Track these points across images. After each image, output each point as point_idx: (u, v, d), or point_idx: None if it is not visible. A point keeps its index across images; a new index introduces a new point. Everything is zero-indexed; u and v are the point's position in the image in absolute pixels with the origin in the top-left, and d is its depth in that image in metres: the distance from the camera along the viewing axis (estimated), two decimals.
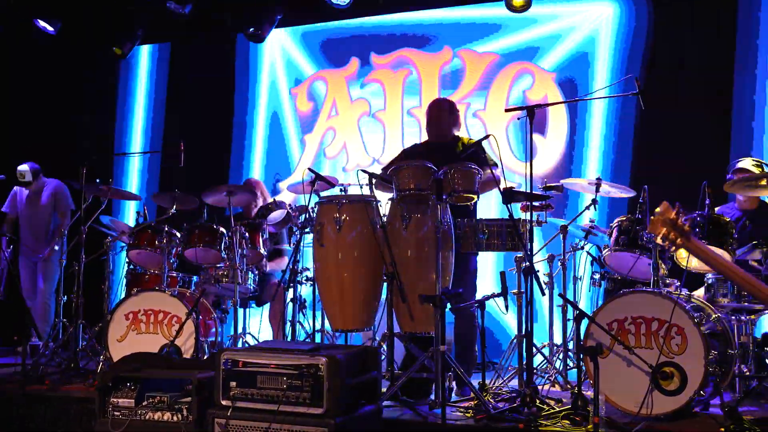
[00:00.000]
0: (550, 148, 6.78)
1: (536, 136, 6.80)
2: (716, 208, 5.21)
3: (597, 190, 4.89)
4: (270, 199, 6.22)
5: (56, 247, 6.85)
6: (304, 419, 3.57)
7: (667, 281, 4.66)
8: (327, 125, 7.59)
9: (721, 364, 4.28)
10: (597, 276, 5.12)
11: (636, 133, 6.45)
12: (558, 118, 6.76)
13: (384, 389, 4.34)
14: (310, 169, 4.98)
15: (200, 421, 3.80)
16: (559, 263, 5.06)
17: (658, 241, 2.59)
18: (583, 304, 5.61)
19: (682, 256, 4.34)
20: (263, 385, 3.68)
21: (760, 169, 4.90)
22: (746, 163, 5.04)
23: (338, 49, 7.64)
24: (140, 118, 8.36)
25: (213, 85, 8.03)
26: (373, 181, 4.66)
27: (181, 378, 3.94)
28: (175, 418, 3.87)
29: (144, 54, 8.38)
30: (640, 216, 4.52)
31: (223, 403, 3.72)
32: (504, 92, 6.93)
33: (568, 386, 4.79)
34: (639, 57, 6.47)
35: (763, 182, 4.31)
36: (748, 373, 4.36)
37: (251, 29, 7.22)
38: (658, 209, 2.59)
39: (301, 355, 3.67)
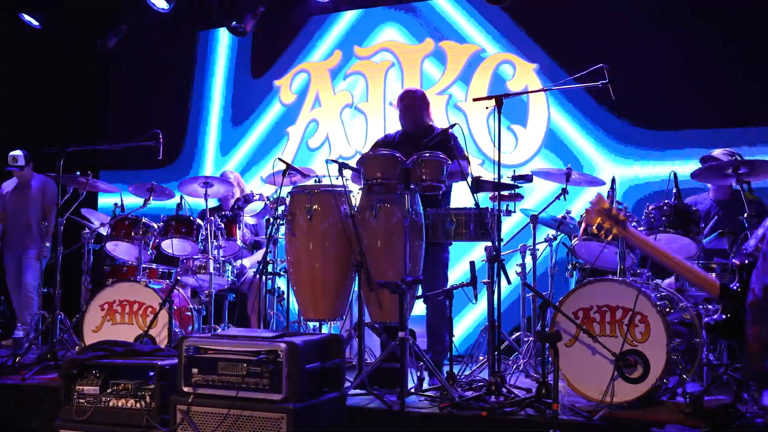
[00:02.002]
0: (531, 138, 6.78)
1: (517, 127, 6.82)
2: (690, 198, 5.24)
3: (567, 180, 4.89)
4: (248, 191, 6.24)
5: (48, 244, 6.87)
6: (264, 405, 3.60)
7: (638, 271, 4.67)
8: (310, 117, 7.62)
9: (688, 353, 4.28)
10: (570, 266, 5.12)
11: None
12: (539, 108, 6.76)
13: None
14: (280, 159, 4.98)
15: (163, 408, 3.82)
16: (529, 253, 5.06)
17: (594, 230, 2.61)
18: (560, 295, 5.60)
19: None
20: (224, 371, 3.71)
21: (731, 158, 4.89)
22: (718, 152, 5.04)
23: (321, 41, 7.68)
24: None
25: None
26: (344, 171, 4.67)
27: (145, 365, 3.97)
28: (138, 405, 3.89)
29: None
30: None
31: (185, 389, 3.75)
32: (485, 83, 6.93)
33: (537, 376, 4.79)
34: None
35: (729, 171, 4.30)
36: (715, 362, 4.36)
37: (234, 23, 7.23)
38: (592, 200, 2.61)
39: (262, 342, 3.69)
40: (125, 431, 3.87)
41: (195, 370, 3.75)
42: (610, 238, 2.59)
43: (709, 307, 4.42)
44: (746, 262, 2.61)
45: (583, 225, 4.70)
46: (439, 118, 6.71)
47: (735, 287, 2.63)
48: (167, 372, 3.89)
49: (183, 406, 3.72)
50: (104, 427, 3.90)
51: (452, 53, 7.11)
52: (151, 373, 3.91)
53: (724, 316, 2.60)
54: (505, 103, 6.72)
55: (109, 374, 4.00)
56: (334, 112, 7.51)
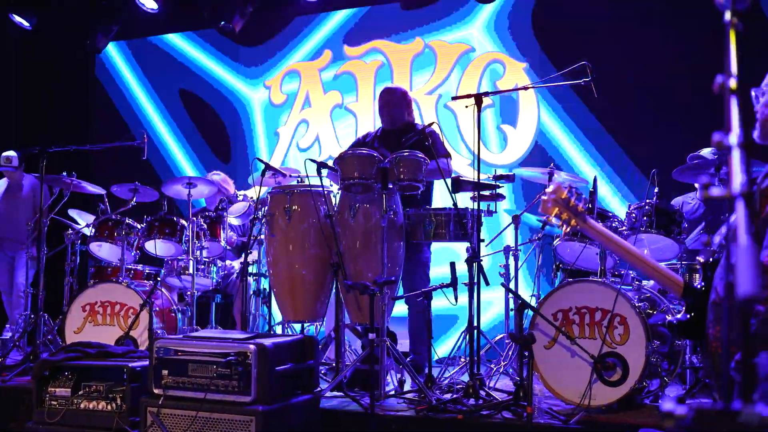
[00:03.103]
0: (521, 138, 6.71)
1: (507, 127, 6.76)
2: (678, 198, 5.17)
3: (550, 180, 4.82)
4: (233, 192, 6.20)
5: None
6: (233, 407, 3.56)
7: (621, 272, 4.60)
8: (300, 117, 7.57)
9: (671, 356, 4.21)
10: (554, 267, 5.05)
11: None
12: (529, 108, 6.69)
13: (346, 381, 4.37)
14: (258, 158, 4.94)
15: (134, 410, 3.79)
16: (511, 254, 4.99)
17: (552, 221, 2.52)
18: None
19: None
20: (194, 373, 3.67)
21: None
22: (706, 152, 4.96)
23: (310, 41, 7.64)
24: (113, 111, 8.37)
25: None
26: (323, 171, 4.62)
27: (116, 367, 3.93)
28: (109, 407, 3.86)
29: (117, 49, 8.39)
30: (590, 205, 4.44)
31: (156, 391, 3.71)
32: (475, 82, 6.87)
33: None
34: None
35: (712, 170, 4.22)
36: (698, 365, 4.28)
37: (222, 23, 7.19)
38: (548, 189, 2.52)
39: (232, 343, 3.65)
40: None
41: (165, 372, 3.71)
42: (567, 229, 2.51)
43: None
44: (710, 260, 2.54)
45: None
46: (429, 118, 6.67)
47: (699, 286, 2.56)
48: (138, 374, 3.86)
49: (153, 408, 3.68)
50: (75, 429, 3.88)
51: (442, 52, 7.05)
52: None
53: (687, 316, 2.53)
54: (494, 102, 6.75)
55: (81, 376, 3.97)
56: (324, 113, 7.46)
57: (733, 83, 1.14)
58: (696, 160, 4.79)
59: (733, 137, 1.08)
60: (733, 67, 1.16)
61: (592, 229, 2.48)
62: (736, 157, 1.06)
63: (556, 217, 2.48)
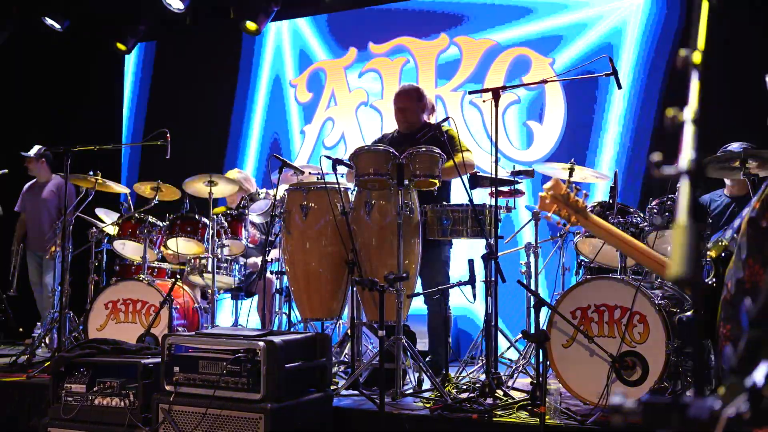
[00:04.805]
0: (548, 134, 6.60)
1: (533, 123, 6.65)
2: (705, 196, 5.02)
3: (570, 175, 4.70)
4: (254, 190, 6.19)
5: (58, 241, 6.95)
6: (242, 404, 3.53)
7: (645, 269, 4.47)
8: (326, 115, 7.55)
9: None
10: (576, 264, 4.94)
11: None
12: (555, 104, 6.57)
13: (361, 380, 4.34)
14: (275, 155, 4.92)
15: (146, 407, 3.79)
16: (532, 251, 4.89)
17: (549, 218, 2.43)
18: None
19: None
20: (204, 370, 3.66)
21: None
22: (735, 146, 4.80)
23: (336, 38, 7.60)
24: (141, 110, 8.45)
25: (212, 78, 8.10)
26: (338, 167, 4.58)
27: (129, 363, 3.94)
28: (122, 404, 3.86)
29: (144, 48, 8.46)
30: (610, 201, 4.33)
31: (167, 388, 3.71)
32: (501, 77, 6.77)
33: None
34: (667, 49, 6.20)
35: (737, 164, 4.08)
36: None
37: (248, 22, 7.21)
38: (546, 185, 2.43)
39: (242, 341, 3.63)
40: (110, 430, 3.84)
41: (177, 369, 3.70)
42: (567, 227, 2.42)
43: None
44: (722, 255, 2.43)
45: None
46: (454, 116, 6.57)
47: (710, 282, 2.45)
48: (150, 370, 3.85)
49: (165, 405, 3.68)
50: (90, 425, 3.88)
51: (467, 48, 6.96)
52: None
53: None
54: (520, 98, 6.64)
55: (96, 372, 3.98)
56: (349, 111, 7.43)
57: (696, 57, 1.07)
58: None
59: (688, 112, 1.01)
60: (700, 41, 1.09)
61: (594, 225, 2.39)
62: (688, 132, 1.00)
63: (555, 213, 2.40)
